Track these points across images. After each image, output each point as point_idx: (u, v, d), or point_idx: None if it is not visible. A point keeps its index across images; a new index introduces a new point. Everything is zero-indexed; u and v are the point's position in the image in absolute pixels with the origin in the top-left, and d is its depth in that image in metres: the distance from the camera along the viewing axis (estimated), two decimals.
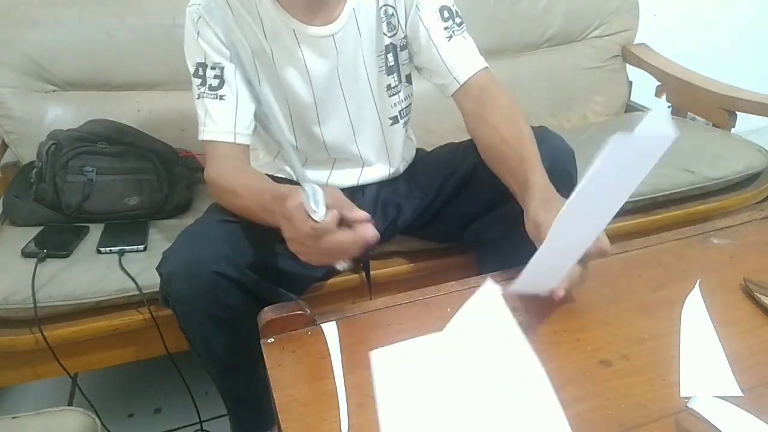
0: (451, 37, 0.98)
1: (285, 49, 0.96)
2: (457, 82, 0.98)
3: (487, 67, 0.99)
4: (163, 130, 1.41)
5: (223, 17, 0.92)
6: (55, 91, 1.44)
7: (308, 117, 1.02)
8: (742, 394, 0.62)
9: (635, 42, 1.88)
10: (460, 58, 0.98)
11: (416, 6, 0.98)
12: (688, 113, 1.80)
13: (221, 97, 0.93)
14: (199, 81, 0.94)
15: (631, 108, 1.90)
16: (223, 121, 0.93)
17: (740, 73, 1.75)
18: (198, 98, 0.94)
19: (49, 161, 1.23)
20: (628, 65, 1.89)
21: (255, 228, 0.88)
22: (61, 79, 1.43)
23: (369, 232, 0.68)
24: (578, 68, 1.83)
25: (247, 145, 0.96)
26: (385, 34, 1.01)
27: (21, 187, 1.29)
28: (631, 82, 1.91)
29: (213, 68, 0.93)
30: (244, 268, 0.86)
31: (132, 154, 1.29)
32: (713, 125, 1.67)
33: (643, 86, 1.89)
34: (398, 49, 1.03)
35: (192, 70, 0.95)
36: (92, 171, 1.24)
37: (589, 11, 1.83)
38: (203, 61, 0.93)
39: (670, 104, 1.86)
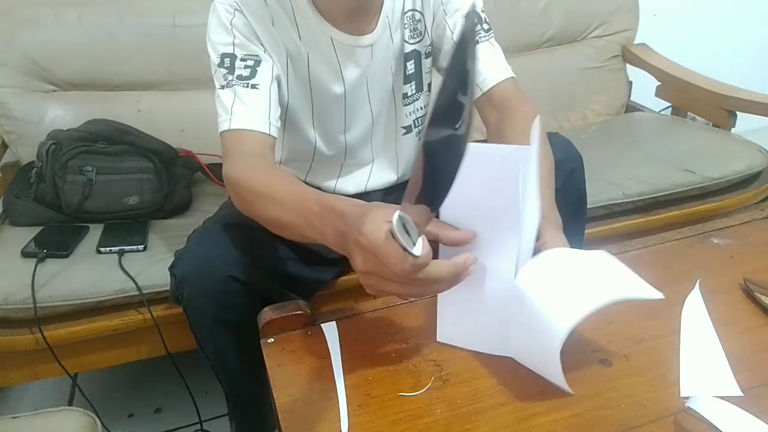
0: (477, 42, 0.96)
1: (321, 56, 0.94)
2: (480, 89, 0.96)
3: (513, 77, 0.96)
4: (163, 130, 1.41)
5: (261, 14, 0.89)
6: (55, 91, 1.44)
7: (334, 120, 1.01)
8: (742, 394, 0.62)
9: (635, 42, 1.88)
10: (485, 65, 0.95)
11: (443, 10, 0.97)
12: (688, 113, 1.80)
13: (254, 86, 0.86)
14: (225, 71, 0.87)
15: (631, 108, 1.90)
16: (256, 108, 0.86)
17: (740, 73, 1.75)
18: (223, 87, 0.87)
19: (49, 161, 1.23)
20: (628, 65, 1.89)
21: (267, 232, 0.87)
22: (61, 79, 1.44)
23: (471, 261, 0.60)
24: (578, 68, 1.83)
25: (275, 141, 0.89)
26: (407, 41, 0.99)
27: (21, 187, 1.29)
28: (631, 82, 1.91)
29: (244, 60, 0.88)
30: (257, 272, 0.85)
31: (132, 154, 1.29)
32: (713, 125, 1.67)
33: (643, 86, 1.89)
34: (422, 56, 1.01)
35: (216, 61, 0.88)
36: (92, 171, 1.24)
37: (589, 11, 1.83)
38: (232, 51, 0.88)
39: (670, 104, 1.86)
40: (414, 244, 0.55)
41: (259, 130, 0.85)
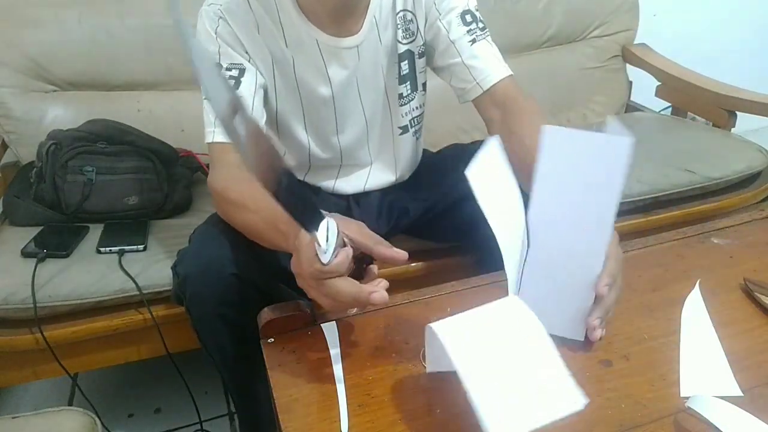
0: (474, 41, 0.95)
1: (307, 59, 0.94)
2: (480, 87, 0.95)
3: (512, 75, 0.96)
4: (163, 130, 1.41)
5: (246, 21, 0.89)
6: (55, 91, 1.44)
7: (325, 123, 1.01)
8: (742, 394, 0.62)
9: (635, 42, 1.88)
10: (484, 63, 0.95)
11: (437, 10, 0.96)
12: (688, 113, 1.80)
13: None
14: None
15: (631, 108, 1.91)
16: None
17: (740, 73, 1.75)
18: (208, 98, 0.89)
19: (49, 161, 1.23)
20: (628, 65, 1.89)
21: None
22: (61, 79, 1.44)
23: (377, 297, 0.62)
24: (578, 68, 1.83)
25: None
26: (400, 42, 0.98)
27: (21, 187, 1.29)
28: (631, 82, 1.91)
29: (229, 69, 0.89)
30: (260, 270, 0.85)
31: (132, 154, 1.29)
32: (713, 125, 1.67)
33: (643, 86, 1.90)
34: (416, 57, 1.01)
35: None
36: (92, 171, 1.23)
37: (589, 11, 1.83)
38: (217, 60, 0.89)
39: (670, 104, 1.86)
40: (327, 253, 0.59)
41: None
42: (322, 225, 0.59)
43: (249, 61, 0.91)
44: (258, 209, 0.78)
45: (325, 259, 0.59)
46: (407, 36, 0.99)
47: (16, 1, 1.42)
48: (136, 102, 1.48)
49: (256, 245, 0.86)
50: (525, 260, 0.69)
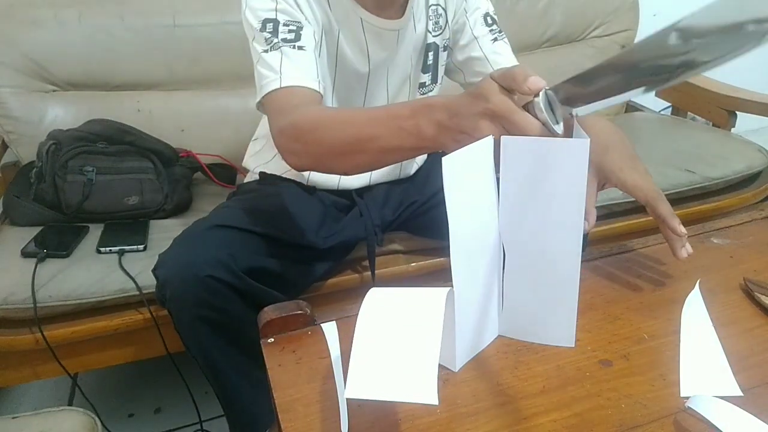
0: (495, 39, 1.03)
1: (351, 35, 0.96)
2: None
3: None
4: (163, 130, 1.42)
5: None
6: (55, 91, 1.45)
7: (352, 101, 1.03)
8: (742, 394, 0.62)
9: (635, 42, 1.88)
10: (505, 60, 1.03)
11: (464, 8, 1.03)
12: (688, 113, 1.80)
13: (300, 48, 0.85)
14: (268, 34, 0.85)
15: (631, 108, 1.91)
16: (305, 67, 0.84)
17: (740, 73, 1.75)
18: (267, 51, 0.84)
19: (49, 161, 1.23)
20: None
21: (251, 232, 0.89)
22: (61, 79, 1.44)
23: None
24: (578, 68, 1.82)
25: (323, 99, 0.87)
26: (429, 32, 1.03)
27: (21, 187, 1.29)
28: None
29: (287, 24, 0.86)
30: (238, 272, 0.86)
31: (132, 154, 1.29)
32: (713, 125, 1.68)
33: None
34: (440, 49, 1.05)
35: (258, 26, 0.86)
36: (92, 171, 1.24)
37: (589, 11, 1.83)
38: (274, 17, 0.86)
39: (670, 104, 1.86)
40: (557, 122, 0.58)
41: (310, 87, 0.83)
42: (542, 96, 0.58)
43: (305, 20, 0.89)
44: (362, 120, 0.70)
45: (559, 130, 0.59)
46: (436, 29, 1.03)
47: (16, 1, 1.42)
48: (136, 102, 1.48)
49: (235, 248, 0.87)
50: (503, 271, 0.70)
